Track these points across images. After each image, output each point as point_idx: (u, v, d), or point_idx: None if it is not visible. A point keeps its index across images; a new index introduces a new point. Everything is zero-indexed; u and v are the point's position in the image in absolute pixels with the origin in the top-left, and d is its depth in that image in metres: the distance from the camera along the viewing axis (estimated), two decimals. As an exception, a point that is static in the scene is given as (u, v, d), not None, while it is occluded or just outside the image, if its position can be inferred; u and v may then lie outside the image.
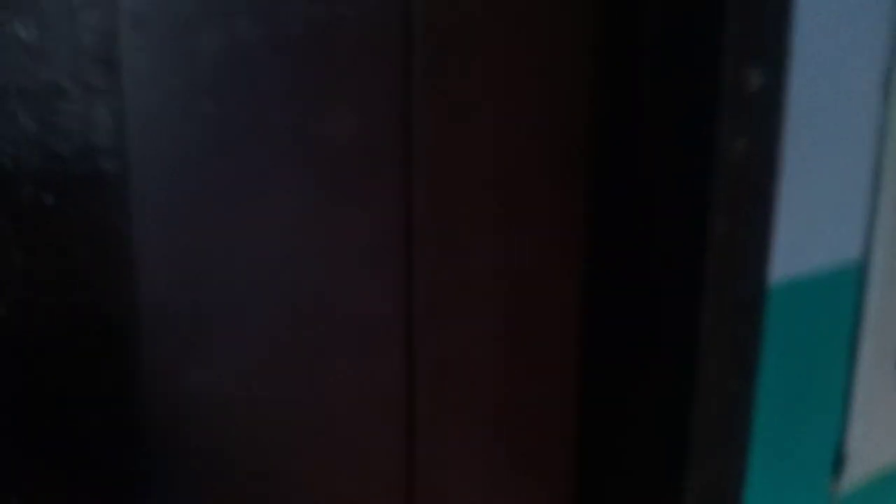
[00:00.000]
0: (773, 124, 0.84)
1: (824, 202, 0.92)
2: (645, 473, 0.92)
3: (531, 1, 0.80)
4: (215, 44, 0.63)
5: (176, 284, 0.64)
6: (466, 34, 0.77)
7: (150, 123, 0.60)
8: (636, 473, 0.92)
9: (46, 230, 0.45)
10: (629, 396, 0.91)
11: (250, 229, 0.68)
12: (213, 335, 0.68)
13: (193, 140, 0.63)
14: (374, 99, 0.73)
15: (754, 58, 0.81)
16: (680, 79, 0.83)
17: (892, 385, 1.02)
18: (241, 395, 0.71)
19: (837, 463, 1.03)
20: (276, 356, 0.72)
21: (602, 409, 0.95)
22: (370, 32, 0.71)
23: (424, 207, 0.79)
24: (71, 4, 0.47)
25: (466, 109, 0.79)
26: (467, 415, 0.87)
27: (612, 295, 0.92)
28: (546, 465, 0.96)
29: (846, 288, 0.98)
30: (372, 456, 0.81)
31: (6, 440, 0.49)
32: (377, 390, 0.80)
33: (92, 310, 0.50)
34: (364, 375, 0.79)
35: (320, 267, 0.73)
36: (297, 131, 0.69)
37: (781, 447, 0.97)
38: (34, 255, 0.45)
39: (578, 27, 0.85)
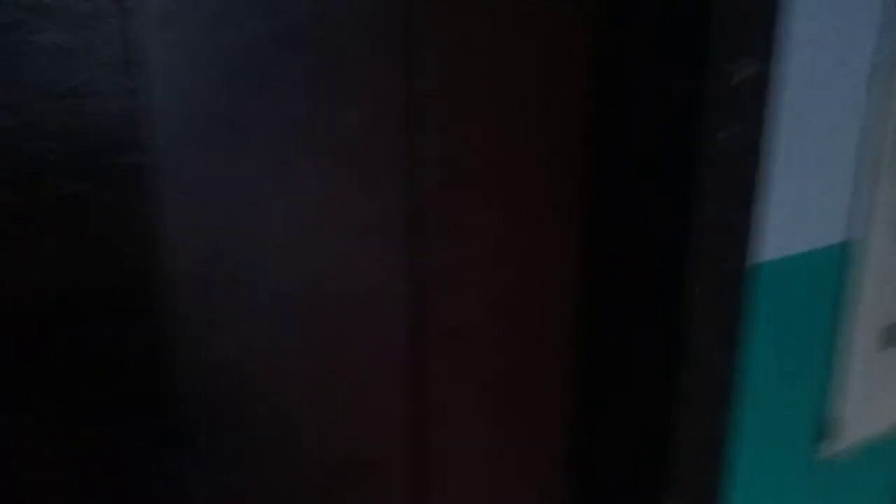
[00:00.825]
0: (760, 113, 0.88)
1: (813, 186, 0.96)
2: (636, 436, 0.98)
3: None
4: (235, 40, 0.69)
5: (202, 263, 0.70)
6: (467, 31, 0.82)
7: (173, 117, 0.65)
8: (627, 435, 0.99)
9: (81, 219, 0.51)
10: (623, 362, 0.97)
11: (268, 210, 0.74)
12: (237, 306, 0.74)
13: (214, 130, 0.69)
14: (382, 90, 0.78)
15: (742, 49, 0.85)
16: (669, 70, 0.88)
17: (875, 359, 1.07)
18: (264, 358, 0.78)
19: (822, 431, 1.08)
20: (294, 324, 0.79)
21: (597, 375, 1.01)
22: (377, 28, 0.76)
23: (431, 187, 0.85)
24: (99, 9, 0.52)
25: (468, 99, 0.84)
26: (472, 376, 0.94)
27: (607, 270, 0.97)
28: (544, 424, 1.02)
29: (832, 267, 1.02)
30: (383, 412, 0.88)
31: (53, 407, 0.56)
32: (388, 354, 0.87)
33: (126, 288, 0.56)
34: (376, 340, 0.85)
35: (335, 243, 0.79)
36: (310, 120, 0.75)
37: (770, 415, 1.02)
38: (71, 243, 0.51)
39: (573, 24, 0.89)
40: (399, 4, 0.77)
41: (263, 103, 0.72)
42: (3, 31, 0.49)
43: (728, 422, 0.96)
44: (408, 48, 0.79)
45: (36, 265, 0.52)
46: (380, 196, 0.81)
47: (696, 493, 0.97)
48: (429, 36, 0.79)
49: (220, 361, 0.75)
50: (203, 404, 0.75)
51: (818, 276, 1.01)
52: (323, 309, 0.81)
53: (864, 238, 0.99)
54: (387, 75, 0.78)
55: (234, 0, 0.67)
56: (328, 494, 0.87)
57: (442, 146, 0.84)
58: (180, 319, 0.68)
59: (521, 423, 1.00)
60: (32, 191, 0.51)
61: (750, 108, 0.87)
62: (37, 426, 0.56)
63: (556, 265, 0.97)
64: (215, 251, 0.71)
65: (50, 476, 0.57)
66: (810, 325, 1.03)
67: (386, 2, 0.76)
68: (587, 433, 1.04)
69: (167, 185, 0.65)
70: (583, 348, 1.01)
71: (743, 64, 0.86)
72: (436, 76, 0.81)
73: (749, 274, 0.91)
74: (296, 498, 0.84)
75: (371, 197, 0.81)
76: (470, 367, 0.93)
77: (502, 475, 1.01)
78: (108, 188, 0.54)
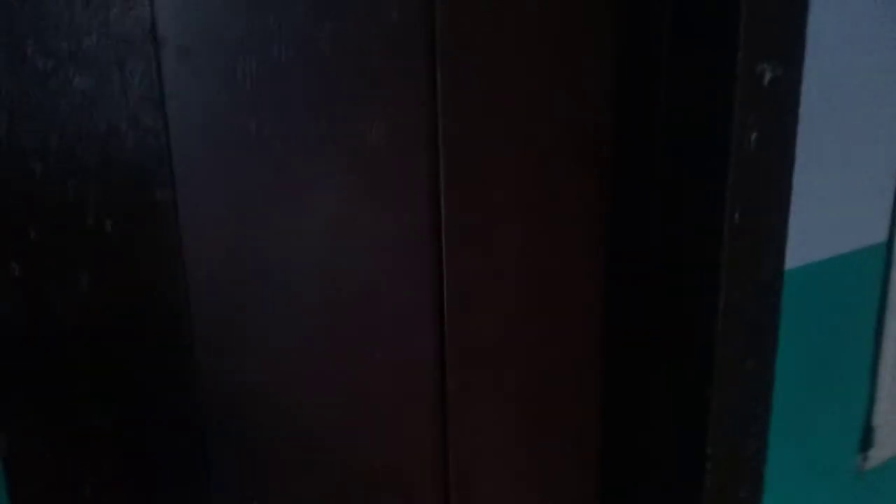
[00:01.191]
0: (788, 117, 0.86)
1: (848, 189, 0.94)
2: (669, 451, 0.97)
3: (548, 6, 0.84)
4: (252, 67, 0.69)
5: (225, 291, 0.71)
6: (487, 42, 0.81)
7: (194, 148, 0.66)
8: (658, 451, 0.97)
9: (108, 252, 0.52)
10: (651, 378, 0.96)
11: (292, 233, 0.75)
12: (261, 329, 0.75)
13: (234, 157, 0.69)
14: (401, 108, 0.78)
15: (768, 52, 0.84)
16: (696, 73, 0.86)
17: None
18: (288, 378, 0.78)
19: (864, 440, 1.05)
20: (318, 343, 0.79)
21: (626, 390, 1.00)
22: (396, 49, 0.76)
23: (453, 205, 0.84)
24: (120, 53, 0.53)
25: (489, 114, 0.84)
26: (495, 392, 0.93)
27: (633, 282, 0.96)
28: (572, 439, 1.01)
29: (871, 270, 1.00)
30: (407, 429, 0.88)
31: (84, 426, 0.57)
32: (411, 372, 0.86)
33: (151, 314, 0.57)
34: (399, 359, 0.85)
35: (358, 261, 0.80)
36: (332, 140, 0.75)
37: (807, 426, 1.00)
38: (99, 274, 0.52)
39: (596, 29, 0.88)
40: (421, 23, 0.77)
41: (285, 125, 0.72)
42: (43, 77, 0.50)
43: (763, 434, 0.94)
44: (429, 65, 0.79)
45: (74, 297, 0.53)
46: (402, 213, 0.81)
47: (733, 507, 0.95)
48: (451, 52, 0.79)
49: (245, 380, 0.75)
50: (231, 427, 0.76)
51: (853, 280, 0.99)
52: (348, 328, 0.81)
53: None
54: (406, 95, 0.78)
55: (254, 27, 0.67)
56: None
57: (462, 163, 0.83)
58: (205, 339, 0.69)
59: (548, 440, 0.99)
60: (69, 227, 0.52)
61: (780, 109, 0.86)
62: (71, 450, 0.57)
63: (581, 277, 0.96)
64: (239, 275, 0.72)
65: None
66: (847, 332, 1.00)
67: (406, 22, 0.76)
68: (618, 449, 1.02)
69: (189, 215, 0.65)
70: (611, 361, 1.00)
71: (772, 65, 0.84)
72: (456, 92, 0.81)
73: (783, 279, 0.89)
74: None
75: (393, 215, 0.81)
76: (495, 383, 0.93)
77: (530, 494, 1.00)
78: (132, 222, 0.55)
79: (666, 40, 0.88)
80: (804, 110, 0.86)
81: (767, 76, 0.84)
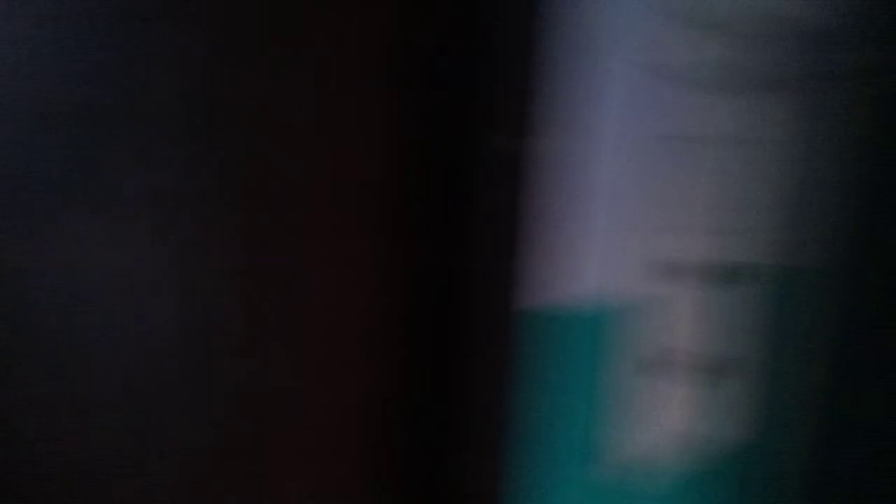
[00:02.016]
0: (523, 180, 1.03)
1: (580, 242, 1.12)
2: (426, 484, 1.08)
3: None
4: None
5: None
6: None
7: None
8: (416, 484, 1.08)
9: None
10: (412, 404, 1.08)
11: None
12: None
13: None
14: (164, 156, 0.86)
15: (507, 124, 1.01)
16: (444, 143, 1.02)
17: (636, 388, 1.24)
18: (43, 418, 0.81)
19: (595, 456, 1.22)
20: (79, 385, 0.83)
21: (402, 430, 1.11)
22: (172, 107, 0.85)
23: (236, 249, 0.93)
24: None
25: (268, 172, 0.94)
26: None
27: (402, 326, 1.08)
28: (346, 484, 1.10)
29: (594, 313, 1.17)
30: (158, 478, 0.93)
31: None
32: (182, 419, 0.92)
33: None
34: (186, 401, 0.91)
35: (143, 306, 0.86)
36: (95, 185, 0.82)
37: (549, 446, 1.15)
38: None
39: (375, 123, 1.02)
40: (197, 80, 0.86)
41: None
42: None
43: (508, 459, 1.08)
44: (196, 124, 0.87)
45: None
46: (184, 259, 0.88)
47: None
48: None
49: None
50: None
51: (582, 320, 1.15)
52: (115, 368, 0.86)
53: (615, 285, 1.17)
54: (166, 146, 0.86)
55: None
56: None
57: (249, 209, 0.92)
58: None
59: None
60: None
61: (513, 175, 1.03)
62: None
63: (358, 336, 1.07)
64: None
65: None
66: (581, 362, 1.17)
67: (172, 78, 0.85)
68: (382, 474, 1.12)
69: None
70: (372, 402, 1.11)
71: (508, 137, 1.01)
72: (234, 148, 0.90)
73: (518, 320, 1.05)
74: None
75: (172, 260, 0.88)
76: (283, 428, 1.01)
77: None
78: None
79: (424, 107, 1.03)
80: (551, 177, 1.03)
81: (501, 146, 1.01)
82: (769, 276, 1.34)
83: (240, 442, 0.96)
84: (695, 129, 1.17)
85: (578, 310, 1.15)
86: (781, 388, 1.37)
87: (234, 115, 0.89)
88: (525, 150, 1.03)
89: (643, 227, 1.17)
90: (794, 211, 1.32)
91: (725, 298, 1.31)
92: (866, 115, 1.27)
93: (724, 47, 1.16)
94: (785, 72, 1.23)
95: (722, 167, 1.22)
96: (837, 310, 1.33)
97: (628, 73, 1.09)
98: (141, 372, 0.87)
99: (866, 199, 1.29)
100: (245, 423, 0.96)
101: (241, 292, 0.92)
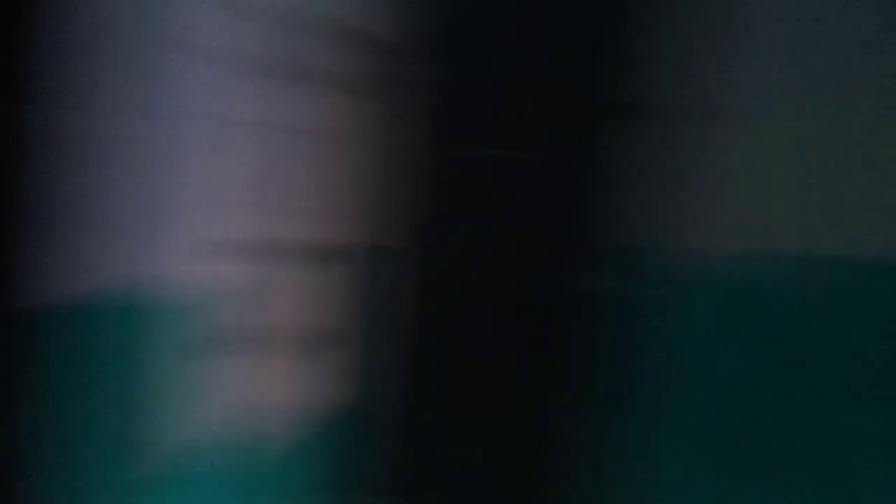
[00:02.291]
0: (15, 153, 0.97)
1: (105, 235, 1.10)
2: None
3: None
4: None
5: None
6: None
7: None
8: None
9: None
10: None
11: None
12: None
13: None
14: None
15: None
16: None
17: (191, 375, 1.24)
18: None
19: (133, 451, 1.20)
20: None
21: None
22: None
23: None
24: None
25: None
26: None
27: None
28: None
29: (127, 301, 1.14)
30: None
31: None
32: None
33: None
34: None
35: None
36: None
37: (74, 449, 1.12)
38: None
39: None
40: None
41: None
42: None
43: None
44: None
45: None
46: None
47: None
48: None
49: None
50: None
51: (113, 309, 1.12)
52: None
53: (159, 269, 1.18)
54: None
55: None
56: None
57: None
58: None
59: None
60: None
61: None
62: None
63: None
64: None
65: None
66: (111, 355, 1.13)
67: None
68: None
69: None
70: None
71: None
72: None
73: (24, 317, 1.01)
74: None
75: None
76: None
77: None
78: None
79: None
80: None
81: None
82: (359, 257, 1.44)
83: None
84: (235, 113, 1.21)
85: (106, 299, 1.11)
86: (372, 358, 1.48)
87: None
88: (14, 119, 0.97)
89: (189, 208, 1.20)
90: (375, 197, 1.43)
91: (321, 278, 1.39)
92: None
93: (262, 35, 1.21)
94: (320, 66, 1.30)
95: (270, 151, 1.28)
96: (416, 286, 1.46)
97: (165, 51, 1.10)
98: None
99: (436, 191, 1.42)
100: None
101: None
